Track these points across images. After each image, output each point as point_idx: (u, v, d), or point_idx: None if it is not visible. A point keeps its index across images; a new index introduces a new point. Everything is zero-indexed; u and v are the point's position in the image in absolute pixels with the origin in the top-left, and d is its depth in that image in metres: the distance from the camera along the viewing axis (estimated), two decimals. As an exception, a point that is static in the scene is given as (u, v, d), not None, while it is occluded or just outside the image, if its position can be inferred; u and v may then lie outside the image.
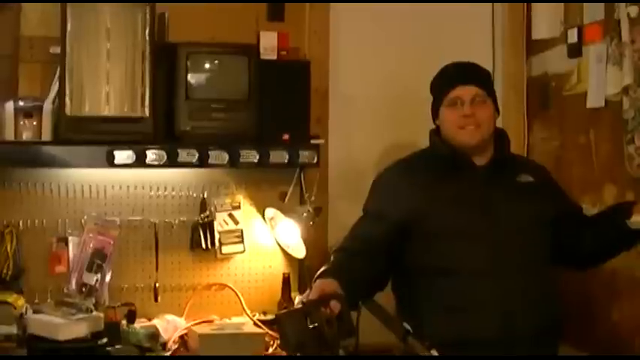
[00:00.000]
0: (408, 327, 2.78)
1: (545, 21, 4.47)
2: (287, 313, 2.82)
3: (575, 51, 4.23)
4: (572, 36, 4.25)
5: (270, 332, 3.80)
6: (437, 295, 3.22)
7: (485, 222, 3.26)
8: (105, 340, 3.53)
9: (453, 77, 3.39)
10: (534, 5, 4.55)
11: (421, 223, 3.25)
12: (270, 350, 3.70)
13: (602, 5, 4.02)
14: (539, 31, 4.53)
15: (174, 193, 4.01)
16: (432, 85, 3.47)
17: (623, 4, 3.67)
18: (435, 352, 2.68)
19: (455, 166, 3.35)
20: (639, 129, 3.68)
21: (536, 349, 3.25)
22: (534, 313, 3.23)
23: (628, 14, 3.65)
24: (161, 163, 3.77)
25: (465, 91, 3.32)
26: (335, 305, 2.75)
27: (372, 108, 4.43)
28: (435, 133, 3.46)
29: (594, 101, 4.07)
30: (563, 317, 3.40)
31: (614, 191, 3.97)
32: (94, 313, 3.60)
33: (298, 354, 2.73)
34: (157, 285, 3.95)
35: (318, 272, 3.02)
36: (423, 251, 3.25)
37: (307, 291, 2.96)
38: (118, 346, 3.55)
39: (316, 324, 2.71)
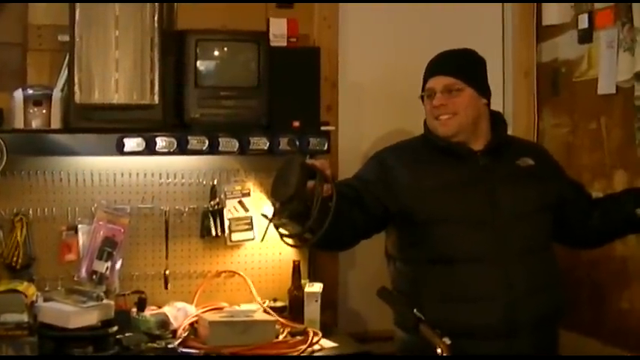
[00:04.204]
0: (420, 315, 2.78)
1: (556, 7, 4.47)
2: (298, 161, 2.79)
3: (585, 37, 4.23)
4: (583, 22, 4.24)
5: (281, 319, 3.81)
6: (437, 282, 3.22)
7: (486, 208, 3.27)
8: (115, 328, 3.52)
9: (429, 68, 3.44)
10: (545, -9, 4.55)
11: (420, 211, 3.24)
12: (281, 337, 3.69)
13: (613, -9, 4.02)
14: (550, 17, 4.52)
15: (184, 180, 4.00)
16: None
17: (634, -11, 3.66)
18: (447, 341, 2.68)
19: (453, 154, 3.35)
20: (651, 116, 3.68)
21: (536, 335, 3.26)
22: (536, 300, 3.24)
23: (640, -1, 3.64)
24: (171, 150, 3.77)
25: (437, 82, 3.36)
26: (328, 189, 2.79)
27: (382, 95, 4.43)
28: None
29: (605, 87, 4.06)
30: (564, 303, 3.40)
31: (625, 177, 3.97)
32: (105, 301, 3.59)
33: (279, 202, 2.75)
34: (167, 272, 3.96)
35: None
36: (423, 239, 3.25)
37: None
38: (128, 334, 3.55)
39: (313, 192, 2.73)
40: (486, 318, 3.18)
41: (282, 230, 2.91)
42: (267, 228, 2.90)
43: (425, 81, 3.41)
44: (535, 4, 4.58)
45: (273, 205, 2.85)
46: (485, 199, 3.27)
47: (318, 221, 2.79)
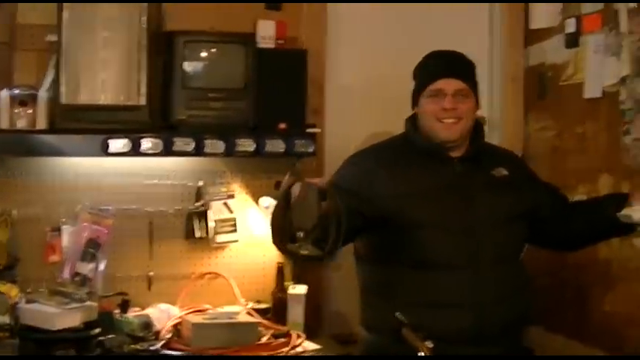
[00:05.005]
0: (403, 318, 2.79)
1: (544, 11, 4.48)
2: (315, 190, 2.81)
3: (572, 41, 4.24)
4: (570, 26, 4.26)
5: (264, 321, 3.81)
6: (409, 286, 3.23)
7: (461, 215, 3.28)
8: (98, 329, 3.51)
9: (438, 68, 3.40)
10: (532, -5, 4.56)
11: (396, 214, 3.24)
12: (264, 339, 3.68)
13: (600, -4, 4.04)
14: (537, 21, 4.54)
15: (169, 181, 3.99)
16: (416, 72, 3.48)
17: (622, -5, 3.67)
18: (429, 344, 2.69)
19: (431, 158, 3.36)
20: (636, 120, 3.68)
21: (503, 341, 3.30)
22: (504, 307, 3.27)
23: (627, 5, 3.64)
24: (156, 151, 3.76)
25: (449, 85, 3.34)
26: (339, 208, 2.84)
27: (369, 98, 4.43)
28: (411, 121, 3.46)
29: (591, 91, 4.08)
30: (531, 310, 3.44)
31: (610, 181, 3.99)
32: (88, 302, 3.58)
33: (304, 232, 2.77)
34: (151, 274, 3.95)
35: None
36: (398, 243, 3.26)
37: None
38: (111, 336, 3.53)
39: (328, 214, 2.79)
40: (456, 323, 3.21)
41: (303, 252, 2.88)
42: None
43: (429, 80, 3.38)
44: (523, 7, 4.58)
45: (294, 234, 2.82)
46: (461, 206, 3.29)
47: (335, 240, 2.84)
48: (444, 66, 3.41)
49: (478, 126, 3.48)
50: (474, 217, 3.28)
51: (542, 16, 4.50)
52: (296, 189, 2.83)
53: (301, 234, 2.79)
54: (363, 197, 3.24)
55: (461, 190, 3.32)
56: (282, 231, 2.86)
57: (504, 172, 3.44)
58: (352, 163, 3.46)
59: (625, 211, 3.26)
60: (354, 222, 3.06)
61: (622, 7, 3.66)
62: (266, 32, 4.06)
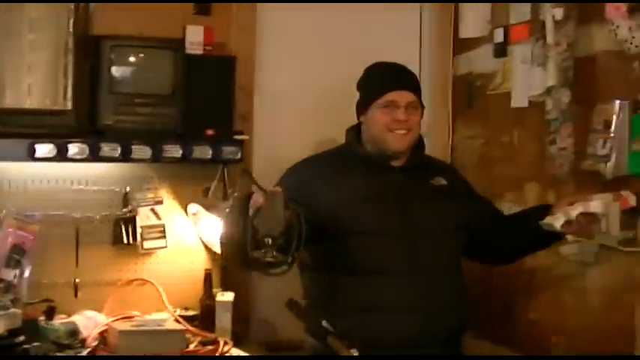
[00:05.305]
0: (328, 326, 2.80)
1: (472, 20, 4.52)
2: (282, 197, 2.83)
3: (500, 51, 4.29)
4: (499, 36, 4.31)
5: (192, 329, 3.80)
6: (353, 293, 3.25)
7: (403, 223, 3.31)
8: (22, 337, 3.46)
9: (390, 80, 3.44)
10: (461, 4, 4.59)
11: (338, 222, 3.26)
12: (191, 347, 3.67)
13: (528, 6, 4.09)
14: (466, 30, 4.57)
15: (96, 187, 3.95)
16: (364, 84, 3.51)
17: (548, 6, 3.71)
18: (355, 352, 2.69)
19: (372, 167, 3.39)
20: (561, 130, 3.72)
21: (445, 347, 3.34)
22: (447, 314, 3.31)
23: (553, 16, 3.69)
24: (83, 157, 3.73)
25: (402, 97, 3.38)
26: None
27: (298, 105, 4.43)
28: (354, 131, 3.49)
29: (518, 101, 4.13)
30: (469, 319, 3.48)
31: (536, 190, 4.03)
32: (12, 309, 3.51)
33: (271, 238, 2.77)
34: (78, 281, 3.90)
35: None
36: (340, 250, 3.27)
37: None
38: (36, 344, 3.48)
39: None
40: (400, 329, 3.23)
41: (269, 259, 2.85)
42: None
43: (381, 91, 3.40)
44: (453, 17, 4.62)
45: (260, 241, 2.81)
46: (401, 214, 3.32)
47: (297, 246, 2.86)
48: (396, 78, 3.46)
49: (419, 137, 3.52)
50: (415, 226, 3.33)
51: (471, 25, 4.55)
52: (258, 197, 2.83)
53: (269, 241, 2.79)
54: (305, 206, 3.25)
55: (401, 199, 3.36)
56: (245, 238, 2.84)
57: (443, 181, 3.51)
58: (293, 173, 3.49)
59: (547, 219, 3.30)
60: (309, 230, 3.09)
61: (549, 19, 3.70)
62: (194, 38, 4.04)
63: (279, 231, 2.80)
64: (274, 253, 2.82)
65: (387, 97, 3.38)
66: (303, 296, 3.46)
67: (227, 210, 3.12)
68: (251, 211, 2.83)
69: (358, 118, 3.49)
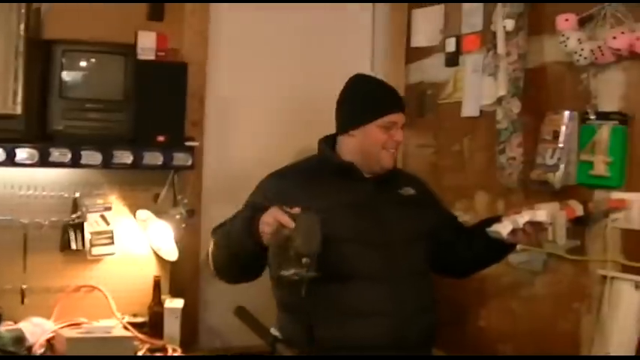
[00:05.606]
0: (277, 333, 2.81)
1: (425, 30, 4.54)
2: (318, 220, 2.97)
3: (452, 60, 4.32)
4: (450, 45, 4.34)
5: (140, 336, 3.78)
6: (330, 299, 3.25)
7: (377, 231, 3.36)
8: (-33, 344, 3.44)
9: (391, 101, 3.51)
10: (414, 13, 4.62)
11: None
12: (140, 354, 3.65)
13: (480, 17, 4.13)
14: (419, 40, 4.60)
15: (45, 193, 3.92)
16: (359, 99, 3.53)
17: (500, 17, 3.73)
18: (303, 360, 2.71)
19: (346, 177, 3.44)
20: (511, 140, 3.75)
21: (419, 351, 3.38)
22: (421, 318, 3.36)
23: (504, 27, 3.72)
24: (32, 162, 3.69)
25: (400, 118, 3.48)
26: None
27: (250, 112, 4.43)
28: (328, 142, 3.51)
29: (469, 110, 4.16)
30: (438, 325, 3.49)
31: (486, 199, 4.07)
32: (-43, 316, 3.51)
33: (310, 257, 2.90)
34: (25, 287, 3.85)
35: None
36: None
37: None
38: (-19, 351, 3.46)
39: None
40: (377, 333, 3.26)
41: (310, 275, 2.95)
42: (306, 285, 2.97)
43: (385, 111, 3.44)
44: (405, 25, 4.65)
45: (300, 259, 2.91)
46: (374, 222, 3.36)
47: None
48: (396, 99, 3.54)
49: None
50: (388, 233, 3.37)
51: (423, 34, 4.57)
52: (287, 219, 2.93)
53: (307, 260, 2.89)
54: None
55: (374, 208, 3.41)
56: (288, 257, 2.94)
57: (411, 191, 3.57)
58: (270, 181, 3.50)
59: (494, 227, 3.32)
60: None
61: (500, 29, 3.73)
62: (146, 44, 4.00)
63: (318, 251, 2.91)
64: (312, 271, 2.91)
65: (390, 118, 3.44)
66: (278, 302, 3.46)
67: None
68: (284, 232, 2.93)
69: (344, 130, 3.51)
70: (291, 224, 2.91)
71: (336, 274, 3.24)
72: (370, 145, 3.44)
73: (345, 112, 3.52)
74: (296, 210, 2.96)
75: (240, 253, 3.12)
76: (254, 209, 3.21)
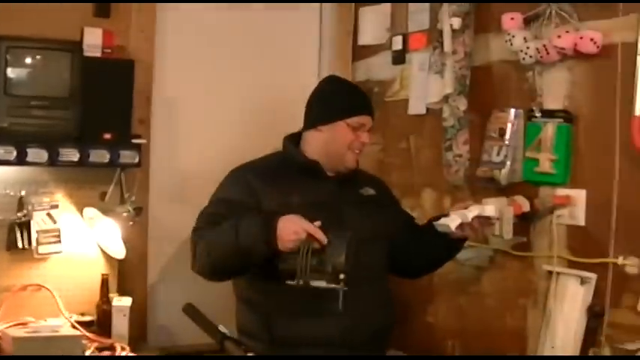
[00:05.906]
0: (226, 331, 2.81)
1: (371, 28, 4.56)
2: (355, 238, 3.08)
3: (399, 58, 4.34)
4: (397, 43, 4.36)
5: (88, 334, 3.76)
6: (288, 297, 3.24)
7: (338, 229, 3.32)
8: None
9: (362, 103, 3.55)
10: (361, 11, 4.64)
11: None
12: (88, 353, 3.63)
13: (427, 15, 4.16)
14: (365, 37, 4.61)
15: (-10, 191, 3.89)
16: (330, 97, 3.56)
17: (446, 15, 3.76)
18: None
19: (309, 175, 3.46)
20: (458, 137, 3.78)
21: (372, 348, 3.42)
22: (375, 316, 3.39)
23: (451, 25, 3.75)
24: (-23, 160, 3.66)
25: (369, 121, 3.51)
26: None
27: (197, 111, 4.42)
28: (293, 139, 3.53)
29: (415, 108, 4.19)
30: (395, 323, 3.54)
31: (433, 196, 4.10)
32: None
33: (345, 273, 3.01)
34: (-30, 286, 3.83)
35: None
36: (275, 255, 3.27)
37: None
38: None
39: None
40: (329, 332, 3.28)
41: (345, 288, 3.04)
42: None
43: (355, 112, 3.47)
44: (352, 24, 4.66)
45: (335, 274, 3.03)
46: (336, 220, 3.35)
47: None
48: (366, 102, 3.57)
49: None
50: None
51: (370, 32, 4.59)
52: (321, 235, 3.05)
53: (345, 276, 3.00)
54: (252, 208, 3.31)
55: (336, 207, 3.42)
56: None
57: (372, 191, 3.60)
58: (236, 176, 3.50)
59: (442, 220, 3.34)
60: None
61: (446, 28, 3.75)
62: (93, 40, 3.97)
63: (348, 267, 3.00)
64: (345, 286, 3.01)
65: (360, 120, 3.47)
66: (239, 297, 3.47)
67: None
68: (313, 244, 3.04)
69: (313, 125, 3.52)
70: (325, 240, 3.02)
71: (293, 274, 3.25)
72: (337, 143, 3.46)
73: (317, 108, 3.54)
74: (317, 223, 3.06)
75: (247, 255, 3.14)
76: (247, 209, 3.27)
